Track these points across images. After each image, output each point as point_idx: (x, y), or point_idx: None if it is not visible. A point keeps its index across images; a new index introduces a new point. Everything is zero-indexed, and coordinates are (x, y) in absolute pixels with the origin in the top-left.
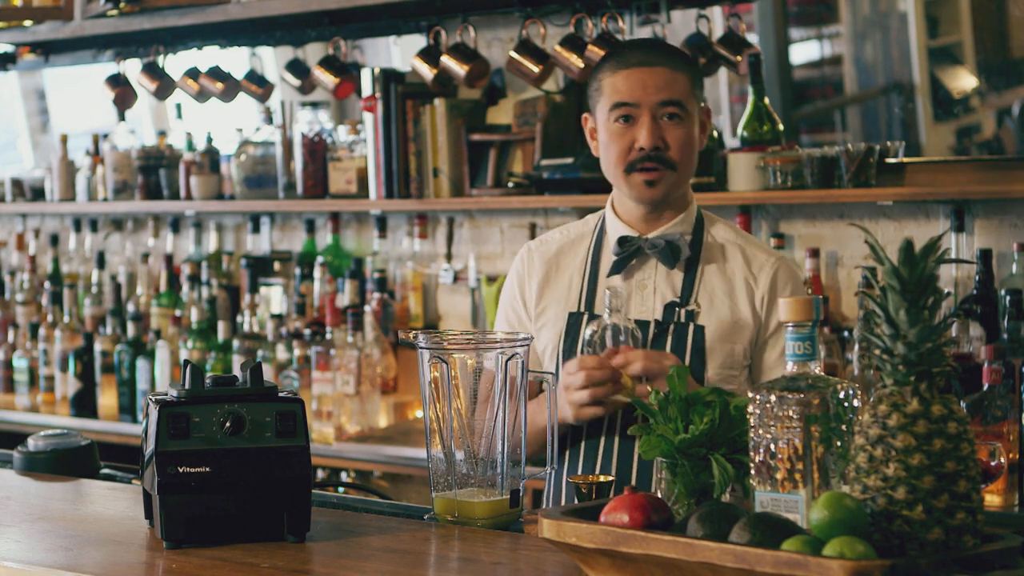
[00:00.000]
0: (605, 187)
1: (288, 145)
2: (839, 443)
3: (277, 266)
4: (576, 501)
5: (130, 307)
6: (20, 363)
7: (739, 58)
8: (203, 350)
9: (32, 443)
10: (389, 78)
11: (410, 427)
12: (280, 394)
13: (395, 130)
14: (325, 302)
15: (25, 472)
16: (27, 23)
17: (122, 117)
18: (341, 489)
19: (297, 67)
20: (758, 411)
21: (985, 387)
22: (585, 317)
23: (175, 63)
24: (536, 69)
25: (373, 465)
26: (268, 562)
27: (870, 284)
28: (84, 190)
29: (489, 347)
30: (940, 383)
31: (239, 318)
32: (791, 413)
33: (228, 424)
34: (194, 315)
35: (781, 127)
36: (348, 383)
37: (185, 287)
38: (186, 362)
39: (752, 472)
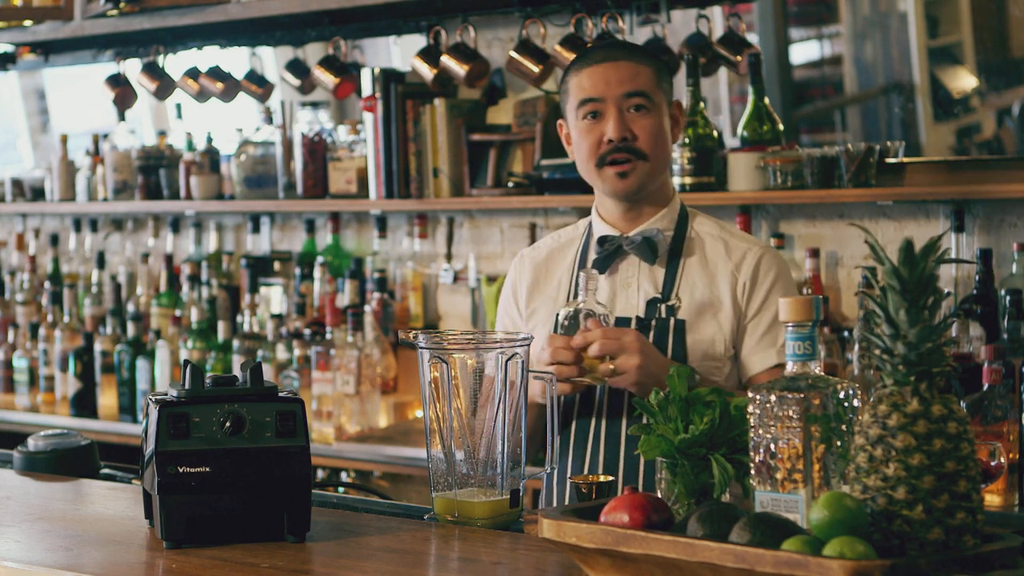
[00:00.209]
0: None
1: (288, 145)
2: (839, 443)
3: (277, 266)
4: (577, 501)
5: (130, 307)
6: (20, 363)
7: (739, 58)
8: (203, 350)
9: (32, 443)
10: (389, 78)
11: (410, 427)
12: (280, 394)
13: (395, 130)
14: (325, 302)
15: (25, 472)
16: (27, 23)
17: (122, 117)
18: (341, 489)
19: (297, 67)
20: (758, 411)
21: (985, 387)
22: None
23: (175, 63)
24: (536, 69)
25: (373, 465)
26: (268, 562)
27: (870, 284)
28: (84, 190)
29: (489, 347)
30: (940, 383)
31: (239, 318)
32: (791, 413)
33: (228, 424)
34: (194, 315)
35: (781, 127)
36: (348, 383)
37: (185, 287)
38: (186, 362)
39: (752, 472)
